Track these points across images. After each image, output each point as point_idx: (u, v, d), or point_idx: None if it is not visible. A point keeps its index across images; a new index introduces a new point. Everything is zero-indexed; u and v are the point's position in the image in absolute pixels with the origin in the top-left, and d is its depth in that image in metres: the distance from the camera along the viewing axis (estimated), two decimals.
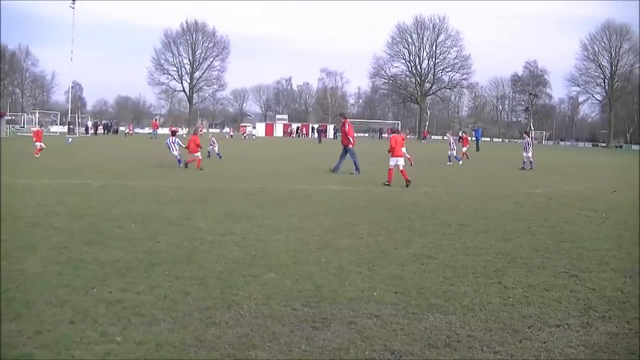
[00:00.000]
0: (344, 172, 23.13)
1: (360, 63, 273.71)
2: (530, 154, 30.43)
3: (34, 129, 39.26)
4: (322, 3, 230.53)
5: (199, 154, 24.85)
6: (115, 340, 5.11)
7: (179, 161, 25.31)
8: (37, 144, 29.82)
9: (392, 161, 19.83)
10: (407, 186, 18.94)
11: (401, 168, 19.75)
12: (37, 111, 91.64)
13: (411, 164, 23.79)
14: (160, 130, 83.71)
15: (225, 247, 8.97)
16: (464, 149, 39.24)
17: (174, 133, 27.85)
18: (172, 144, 25.96)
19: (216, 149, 32.21)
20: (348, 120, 25.92)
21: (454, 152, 33.87)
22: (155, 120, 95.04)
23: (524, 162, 30.37)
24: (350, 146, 24.40)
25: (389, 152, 20.22)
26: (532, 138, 34.61)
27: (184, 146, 25.84)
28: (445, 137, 37.29)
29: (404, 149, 20.58)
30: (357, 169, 23.73)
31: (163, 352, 4.90)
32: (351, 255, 8.71)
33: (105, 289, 6.56)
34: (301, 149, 51.09)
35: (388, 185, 18.95)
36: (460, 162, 33.16)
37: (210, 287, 6.76)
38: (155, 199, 14.29)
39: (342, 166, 24.09)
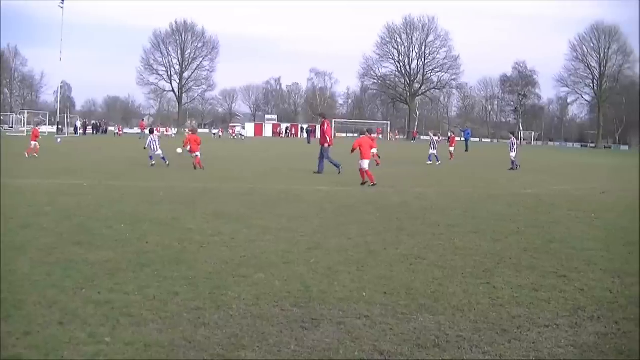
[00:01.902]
0: (332, 173, 23.11)
1: (349, 63, 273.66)
2: (514, 154, 30.54)
3: (32, 127, 39.74)
4: (312, 3, 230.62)
5: (199, 152, 24.89)
6: (104, 340, 5.09)
7: (163, 158, 25.41)
8: (32, 143, 29.83)
9: (364, 164, 19.90)
10: (362, 184, 19.25)
11: (363, 168, 19.92)
12: (26, 111, 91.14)
13: (377, 164, 24.17)
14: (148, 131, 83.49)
15: (214, 248, 8.96)
16: (451, 148, 39.40)
17: (152, 131, 27.82)
18: (153, 142, 25.89)
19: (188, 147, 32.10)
20: (328, 120, 26.03)
21: (436, 152, 33.93)
22: (142, 120, 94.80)
23: (513, 162, 30.41)
24: (326, 145, 24.45)
25: (352, 152, 20.39)
26: (521, 139, 34.92)
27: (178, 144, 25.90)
28: (429, 137, 37.32)
29: (374, 150, 20.78)
30: (337, 167, 23.87)
31: (152, 353, 4.89)
32: (340, 255, 8.71)
33: (94, 289, 6.54)
34: (290, 150, 51.10)
35: (373, 185, 19.02)
36: (430, 162, 33.14)
37: (200, 288, 6.74)
38: (145, 200, 14.25)
39: (326, 166, 24.09)
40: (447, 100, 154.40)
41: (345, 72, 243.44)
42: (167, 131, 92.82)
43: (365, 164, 19.84)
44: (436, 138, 35.71)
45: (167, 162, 25.10)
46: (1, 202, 12.58)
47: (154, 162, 25.24)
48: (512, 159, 30.36)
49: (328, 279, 7.36)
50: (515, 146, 31.09)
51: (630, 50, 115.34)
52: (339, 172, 23.28)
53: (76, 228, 10.17)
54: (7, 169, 20.87)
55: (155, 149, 25.76)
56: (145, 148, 26.39)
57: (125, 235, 9.63)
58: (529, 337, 5.53)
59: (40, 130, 38.51)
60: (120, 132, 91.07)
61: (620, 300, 6.80)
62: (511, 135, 32.82)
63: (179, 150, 25.86)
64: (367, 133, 21.64)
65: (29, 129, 76.11)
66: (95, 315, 5.73)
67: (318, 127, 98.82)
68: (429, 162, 33.02)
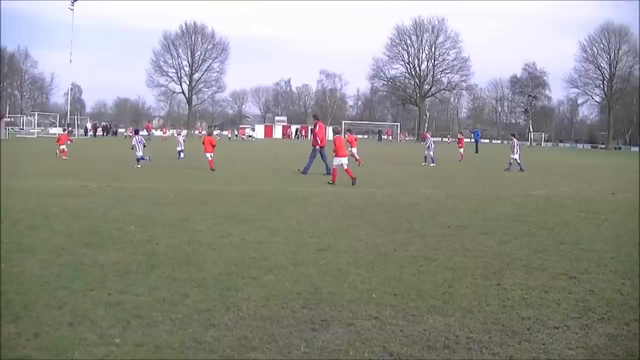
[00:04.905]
0: (341, 175, 23.06)
1: (359, 65, 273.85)
2: (516, 156, 30.43)
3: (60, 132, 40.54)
4: (321, 4, 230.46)
5: (211, 153, 25.02)
6: (114, 342, 5.11)
7: (142, 158, 25.67)
8: (61, 146, 30.13)
9: (336, 161, 20.42)
10: (353, 184, 19.42)
11: (345, 167, 20.36)
12: (37, 113, 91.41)
13: (359, 165, 24.74)
14: (156, 133, 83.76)
15: (223, 249, 8.97)
16: (461, 150, 39.34)
17: (136, 132, 28.02)
18: (137, 143, 26.01)
19: (179, 148, 32.54)
20: (321, 121, 26.08)
21: (431, 153, 33.84)
22: (149, 122, 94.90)
23: (519, 164, 30.24)
24: (317, 147, 24.53)
25: (333, 152, 20.73)
26: (531, 140, 34.87)
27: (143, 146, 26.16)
28: (429, 139, 37.14)
29: (354, 149, 21.17)
30: (305, 168, 24.08)
31: (162, 354, 4.90)
32: (350, 257, 8.70)
33: (104, 291, 6.56)
34: (299, 151, 50.99)
35: (332, 184, 19.51)
36: (433, 165, 33.00)
37: (209, 289, 6.75)
38: (154, 201, 14.28)
39: (331, 165, 24.06)
40: (457, 101, 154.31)
41: (353, 73, 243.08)
42: (177, 133, 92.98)
43: (337, 161, 20.31)
44: (437, 140, 35.59)
45: (148, 160, 25.66)
46: (10, 203, 12.66)
47: (149, 160, 25.63)
48: (518, 160, 30.23)
49: (338, 280, 7.36)
50: (517, 148, 30.92)
51: None
52: (301, 171, 23.78)
53: (86, 229, 10.20)
54: (15, 171, 21.00)
55: (138, 149, 25.91)
56: (145, 148, 26.63)
57: (134, 237, 9.66)
58: (539, 339, 5.52)
59: (44, 133, 38.96)
60: (131, 134, 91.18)
61: (630, 302, 6.77)
62: (512, 137, 32.82)
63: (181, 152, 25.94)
64: (347, 133, 22.26)
65: (39, 130, 76.73)
66: (106, 316, 5.75)
67: (330, 128, 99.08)
68: (432, 164, 32.93)
